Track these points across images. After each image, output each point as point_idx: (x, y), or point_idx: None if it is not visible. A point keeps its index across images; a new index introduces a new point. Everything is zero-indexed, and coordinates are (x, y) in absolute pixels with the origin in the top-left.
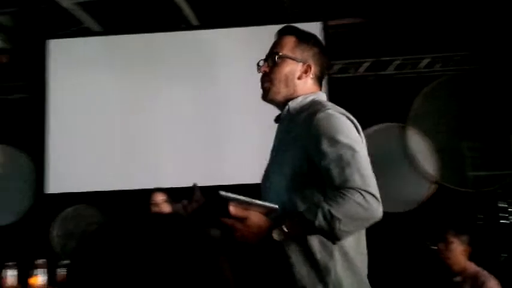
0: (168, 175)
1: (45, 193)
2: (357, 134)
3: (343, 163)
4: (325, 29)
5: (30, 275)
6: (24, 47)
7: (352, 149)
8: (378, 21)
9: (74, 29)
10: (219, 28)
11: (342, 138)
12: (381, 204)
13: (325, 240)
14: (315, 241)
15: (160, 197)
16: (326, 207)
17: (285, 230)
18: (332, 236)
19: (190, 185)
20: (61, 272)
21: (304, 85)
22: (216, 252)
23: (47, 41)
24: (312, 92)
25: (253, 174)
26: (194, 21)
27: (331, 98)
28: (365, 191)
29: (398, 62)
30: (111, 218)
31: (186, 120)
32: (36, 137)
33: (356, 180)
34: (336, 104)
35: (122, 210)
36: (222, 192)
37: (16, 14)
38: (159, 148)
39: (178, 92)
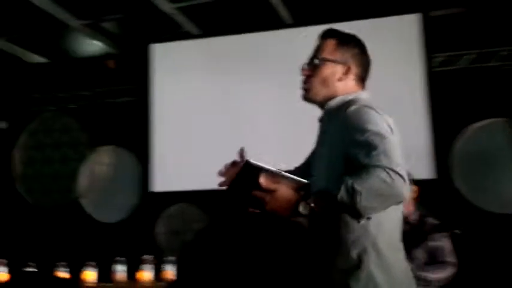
0: None
1: (151, 192)
2: (387, 125)
3: (371, 147)
4: (426, 20)
5: (138, 270)
6: (130, 52)
7: (380, 135)
8: (480, 10)
9: (175, 33)
10: (314, 25)
11: (370, 126)
12: (407, 183)
13: (360, 235)
14: (349, 236)
15: None
16: (349, 181)
17: (311, 204)
18: (354, 210)
19: None
20: (167, 267)
21: (345, 86)
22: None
23: (150, 45)
24: (352, 92)
25: None
26: (289, 20)
27: (433, 92)
28: (390, 168)
29: (504, 53)
30: (216, 216)
31: (287, 120)
32: (142, 138)
33: (381, 160)
34: (439, 99)
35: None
36: (253, 161)
37: (121, 21)
38: (259, 147)
39: (276, 92)
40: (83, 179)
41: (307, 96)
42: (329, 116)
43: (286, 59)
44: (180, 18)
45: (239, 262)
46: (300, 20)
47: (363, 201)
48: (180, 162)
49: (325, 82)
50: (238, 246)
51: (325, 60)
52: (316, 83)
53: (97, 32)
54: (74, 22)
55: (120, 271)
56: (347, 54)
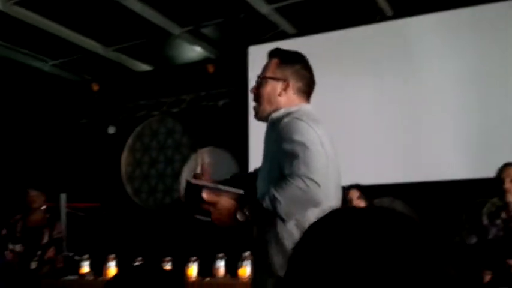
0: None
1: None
2: (315, 135)
3: (293, 157)
4: None
5: (239, 267)
6: (228, 55)
7: (303, 145)
8: None
9: (272, 34)
10: (416, 16)
11: (296, 137)
12: (321, 189)
13: (295, 234)
14: (286, 234)
15: (355, 194)
16: (272, 191)
17: (246, 212)
18: (277, 215)
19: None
20: None
21: (288, 100)
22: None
23: (248, 47)
24: (294, 105)
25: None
26: (389, 12)
27: None
28: (307, 177)
29: None
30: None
31: (392, 115)
32: (240, 139)
33: (301, 168)
34: None
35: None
36: (193, 181)
37: (220, 25)
38: (362, 147)
39: (380, 87)
40: (186, 180)
41: (257, 116)
42: (271, 128)
43: (389, 52)
44: (276, 19)
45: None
46: (401, 11)
47: (283, 208)
48: None
49: (268, 99)
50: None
51: (266, 78)
52: (261, 99)
53: (197, 37)
54: (176, 30)
55: (220, 266)
56: (287, 72)
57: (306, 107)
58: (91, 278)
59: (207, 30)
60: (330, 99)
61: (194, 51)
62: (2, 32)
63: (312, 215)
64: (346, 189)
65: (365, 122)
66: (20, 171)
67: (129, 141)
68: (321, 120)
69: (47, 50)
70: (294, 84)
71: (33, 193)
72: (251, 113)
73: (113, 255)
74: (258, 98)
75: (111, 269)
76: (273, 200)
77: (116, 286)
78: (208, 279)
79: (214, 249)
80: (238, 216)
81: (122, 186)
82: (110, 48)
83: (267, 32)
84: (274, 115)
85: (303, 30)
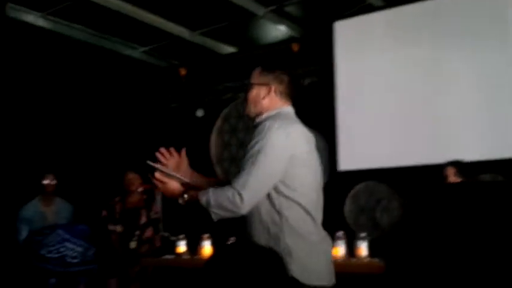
0: (457, 149)
1: (338, 170)
2: (284, 138)
3: (244, 167)
4: None
5: (332, 247)
6: (313, 33)
7: (262, 156)
8: None
9: (358, 8)
10: None
11: (257, 143)
12: (244, 204)
13: (275, 217)
14: (268, 217)
15: (451, 171)
16: (211, 192)
17: (185, 197)
18: (208, 213)
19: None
20: (359, 244)
21: (271, 102)
22: None
23: (334, 23)
24: (277, 108)
25: None
26: None
27: None
28: (238, 191)
29: None
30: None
31: (484, 87)
32: (328, 118)
33: (238, 182)
34: None
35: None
36: (150, 163)
37: (304, 3)
38: (448, 122)
39: (473, 59)
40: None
41: (246, 114)
42: (252, 131)
43: (484, 22)
44: None
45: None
46: None
47: (212, 210)
48: (365, 140)
49: (254, 102)
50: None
51: (252, 84)
52: (249, 103)
53: (281, 16)
54: (260, 10)
55: None
56: (268, 77)
57: (285, 109)
58: (187, 257)
59: (290, 9)
60: (421, 72)
61: (278, 31)
62: (94, 21)
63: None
64: (443, 167)
65: (461, 95)
66: (117, 155)
67: (217, 123)
68: (298, 120)
69: (137, 37)
70: (276, 87)
71: (131, 175)
72: (339, 90)
73: (207, 235)
74: (246, 102)
75: (206, 248)
76: (208, 201)
77: (216, 263)
78: None
79: None
80: (179, 199)
81: (212, 167)
82: (196, 32)
83: (353, 6)
84: (257, 121)
85: (391, 2)
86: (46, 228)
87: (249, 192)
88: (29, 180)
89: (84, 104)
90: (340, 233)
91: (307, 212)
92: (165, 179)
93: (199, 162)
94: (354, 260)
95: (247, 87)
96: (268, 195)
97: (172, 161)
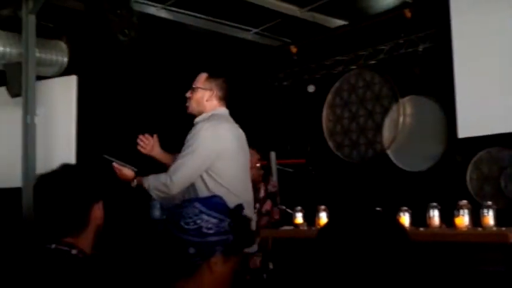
0: None
1: (458, 138)
2: (212, 137)
3: (178, 158)
4: None
5: (455, 216)
6: None
7: (191, 150)
8: None
9: None
10: None
11: (190, 140)
12: (174, 186)
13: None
14: (202, 195)
15: None
16: (151, 178)
17: (135, 182)
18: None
19: None
20: (485, 213)
21: (211, 104)
22: None
23: None
24: (214, 109)
25: None
26: None
27: None
28: (170, 176)
29: None
30: None
31: None
32: (444, 84)
33: (171, 169)
34: None
35: None
36: (106, 156)
37: None
38: None
39: None
40: (388, 131)
41: (188, 111)
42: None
43: None
44: None
45: None
46: None
47: (151, 191)
48: (486, 105)
49: (198, 102)
50: None
51: (198, 88)
52: (192, 102)
53: None
54: None
55: (434, 216)
56: (213, 83)
57: (220, 110)
58: (305, 228)
59: None
60: None
61: None
62: (210, 8)
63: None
64: None
65: None
66: None
67: (329, 97)
68: (230, 120)
69: (250, 19)
70: (217, 93)
71: (251, 152)
72: (456, 55)
73: (323, 206)
74: (190, 101)
75: (323, 219)
76: (148, 184)
77: (330, 231)
78: (422, 229)
79: (426, 199)
80: (131, 184)
81: (325, 141)
82: (305, 8)
83: None
84: (197, 120)
85: None
86: (185, 201)
87: (178, 177)
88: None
89: None
90: (464, 202)
91: (236, 196)
92: (120, 167)
93: (312, 137)
94: (480, 229)
95: (192, 89)
96: (203, 180)
97: (148, 143)
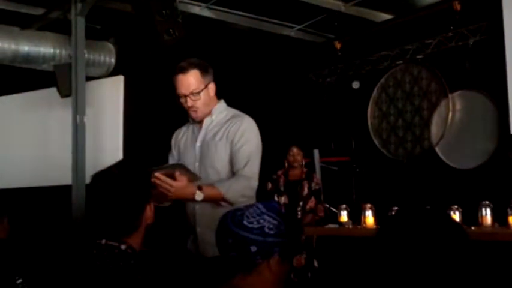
0: None
1: (511, 134)
2: (258, 134)
3: (242, 155)
4: None
5: (508, 214)
6: None
7: (250, 144)
8: None
9: None
10: None
11: (244, 135)
12: (255, 185)
13: None
14: None
15: None
16: (227, 184)
17: (202, 195)
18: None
19: None
20: None
21: (215, 96)
22: None
23: None
24: (219, 101)
25: None
26: None
27: None
28: (249, 176)
29: None
30: None
31: None
32: (496, 78)
33: (247, 170)
34: None
35: None
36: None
37: None
38: None
39: None
40: (436, 128)
41: (199, 118)
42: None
43: None
44: None
45: None
46: None
47: (232, 199)
48: None
49: (207, 103)
50: None
51: (198, 92)
52: (201, 106)
53: None
54: None
55: (487, 215)
56: (209, 75)
57: (224, 103)
58: (350, 226)
59: None
60: None
61: None
62: (253, 6)
63: None
64: None
65: None
66: (279, 130)
67: (374, 93)
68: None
69: (293, 16)
70: (213, 83)
71: (295, 150)
72: (508, 48)
73: (369, 205)
74: (197, 107)
75: (369, 218)
76: (229, 191)
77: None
78: (473, 228)
79: (477, 197)
80: (196, 198)
81: (370, 139)
82: (350, 3)
83: None
84: (219, 113)
85: None
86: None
87: (256, 175)
88: None
89: (248, 84)
90: None
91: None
92: (169, 181)
93: (356, 134)
94: None
95: (193, 95)
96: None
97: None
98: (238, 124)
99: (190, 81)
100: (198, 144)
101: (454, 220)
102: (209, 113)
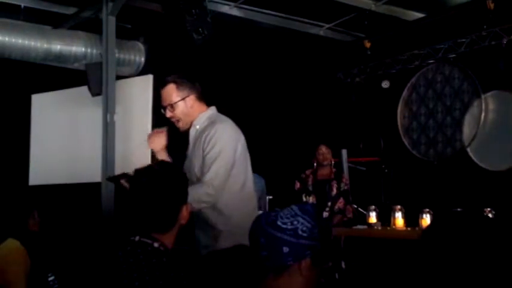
0: None
1: None
2: (235, 141)
3: (208, 162)
4: None
5: None
6: None
7: (218, 152)
8: None
9: None
10: None
11: (213, 144)
12: (216, 192)
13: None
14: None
15: None
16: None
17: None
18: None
19: None
20: None
21: (198, 106)
22: None
23: None
24: (204, 110)
25: None
26: None
27: None
28: (209, 184)
29: None
30: None
31: None
32: None
33: (207, 177)
34: None
35: None
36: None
37: None
38: None
39: None
40: (468, 128)
41: (182, 129)
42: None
43: None
44: None
45: None
46: None
47: (194, 205)
48: None
49: (185, 114)
50: None
51: (175, 103)
52: (181, 117)
53: None
54: None
55: None
56: (185, 89)
57: (213, 110)
58: (379, 227)
59: None
60: None
61: None
62: (280, 4)
63: None
64: None
65: None
66: (308, 130)
67: (404, 93)
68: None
69: (322, 14)
70: (194, 94)
71: (324, 149)
72: None
73: (399, 206)
74: (176, 118)
75: (398, 220)
76: (190, 199)
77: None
78: None
79: (509, 199)
80: None
81: (400, 139)
82: (380, 2)
83: None
84: (198, 124)
85: None
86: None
87: (217, 182)
88: None
89: (277, 84)
90: None
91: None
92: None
93: (386, 134)
94: None
95: (170, 107)
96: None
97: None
98: (208, 132)
99: (167, 94)
100: (188, 153)
101: (500, 223)
102: (191, 124)
